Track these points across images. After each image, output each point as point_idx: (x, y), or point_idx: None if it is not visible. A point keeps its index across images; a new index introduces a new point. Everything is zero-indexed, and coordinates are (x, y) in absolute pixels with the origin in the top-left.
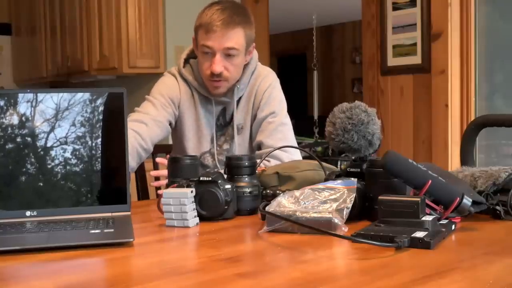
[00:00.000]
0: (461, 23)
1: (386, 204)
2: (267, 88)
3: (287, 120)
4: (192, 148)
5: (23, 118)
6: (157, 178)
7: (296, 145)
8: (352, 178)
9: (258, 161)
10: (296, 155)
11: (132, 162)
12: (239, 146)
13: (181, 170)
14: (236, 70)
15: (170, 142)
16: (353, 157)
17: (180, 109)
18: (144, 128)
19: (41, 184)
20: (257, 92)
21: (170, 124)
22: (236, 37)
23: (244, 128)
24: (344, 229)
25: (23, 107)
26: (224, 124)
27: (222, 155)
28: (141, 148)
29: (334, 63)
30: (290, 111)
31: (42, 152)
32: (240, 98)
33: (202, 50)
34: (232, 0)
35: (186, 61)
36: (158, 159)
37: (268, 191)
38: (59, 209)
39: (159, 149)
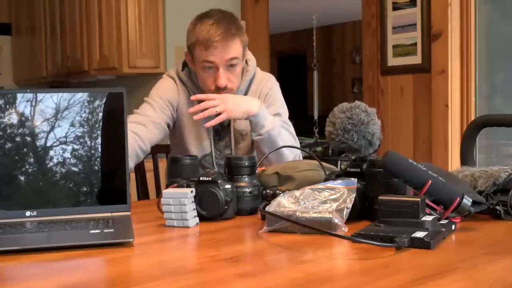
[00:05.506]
0: (461, 23)
1: (386, 204)
2: (268, 91)
3: (289, 122)
4: (194, 150)
5: (23, 118)
6: None
7: (298, 146)
8: (352, 178)
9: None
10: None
11: (131, 163)
12: (243, 152)
13: (181, 170)
14: (237, 79)
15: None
16: (353, 157)
17: (178, 111)
18: (143, 130)
19: (41, 184)
20: (259, 96)
21: (168, 126)
22: (236, 47)
23: (247, 134)
24: (344, 229)
25: (23, 107)
26: (221, 129)
27: (223, 159)
28: (140, 150)
29: (334, 63)
30: (290, 111)
31: (42, 152)
32: None
33: (204, 66)
34: (218, 10)
35: (185, 64)
36: None
37: (268, 191)
38: (59, 209)
39: (159, 149)
